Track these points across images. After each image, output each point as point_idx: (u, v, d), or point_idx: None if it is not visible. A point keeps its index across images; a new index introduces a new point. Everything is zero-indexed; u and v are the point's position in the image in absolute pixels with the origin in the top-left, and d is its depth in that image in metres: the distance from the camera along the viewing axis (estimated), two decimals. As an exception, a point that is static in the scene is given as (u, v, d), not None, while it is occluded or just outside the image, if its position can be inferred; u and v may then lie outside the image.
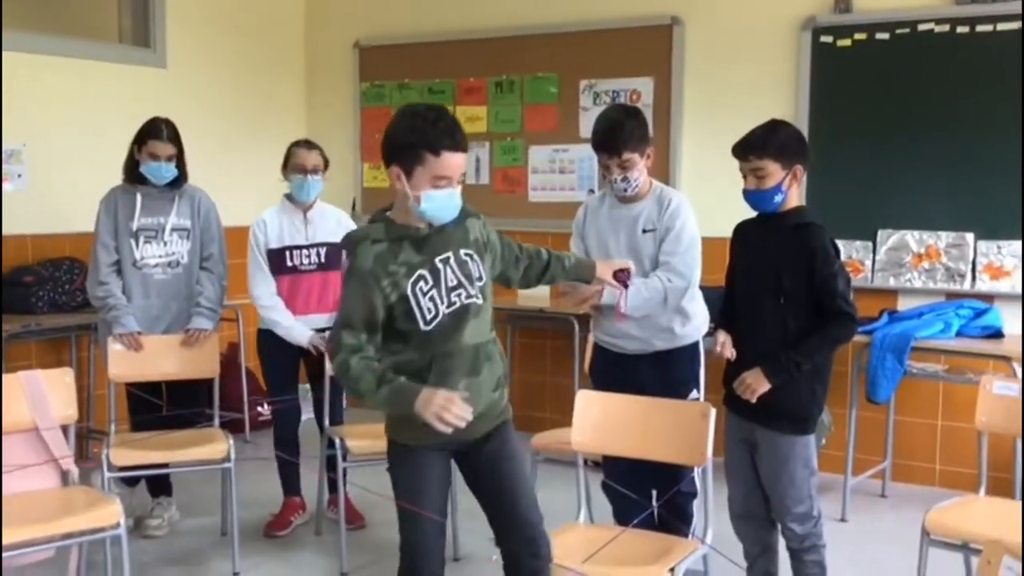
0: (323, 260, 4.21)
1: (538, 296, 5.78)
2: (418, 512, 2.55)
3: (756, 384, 2.94)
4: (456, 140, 2.44)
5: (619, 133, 3.24)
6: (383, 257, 2.46)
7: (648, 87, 5.41)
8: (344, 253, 2.70)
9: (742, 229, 3.20)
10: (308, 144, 4.25)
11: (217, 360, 4.21)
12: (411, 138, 2.42)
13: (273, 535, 4.19)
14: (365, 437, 3.95)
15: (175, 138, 4.08)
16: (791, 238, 2.99)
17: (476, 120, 5.97)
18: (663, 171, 5.26)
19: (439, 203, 2.46)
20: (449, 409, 2.35)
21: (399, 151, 2.45)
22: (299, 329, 4.10)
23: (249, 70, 6.25)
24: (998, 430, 3.30)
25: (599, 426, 3.06)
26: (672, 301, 3.26)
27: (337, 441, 3.94)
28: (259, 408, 5.79)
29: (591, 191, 5.54)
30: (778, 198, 2.98)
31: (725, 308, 3.21)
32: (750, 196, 3.01)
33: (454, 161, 2.44)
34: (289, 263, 4.16)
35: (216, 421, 4.16)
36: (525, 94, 5.83)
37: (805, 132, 4.70)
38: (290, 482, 4.30)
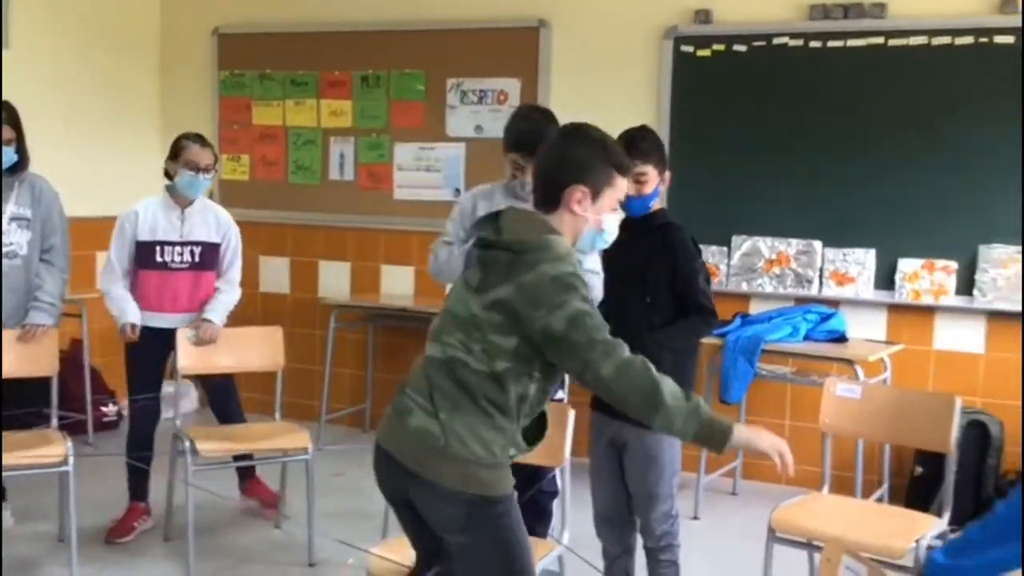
0: (196, 259, 4.07)
1: (401, 295, 5.74)
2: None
3: None
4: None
5: (545, 137, 3.18)
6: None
7: (515, 88, 5.42)
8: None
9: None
10: (202, 140, 4.09)
11: (56, 357, 3.98)
12: (603, 157, 2.27)
13: (114, 541, 3.99)
14: (213, 439, 3.84)
15: (14, 121, 3.84)
16: (655, 238, 3.05)
17: (340, 115, 5.86)
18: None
19: (612, 228, 2.34)
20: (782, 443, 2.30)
21: (588, 170, 2.25)
22: (132, 310, 3.97)
23: (100, 53, 5.93)
24: (840, 430, 3.45)
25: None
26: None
27: (186, 443, 3.78)
28: (103, 408, 5.55)
29: (457, 191, 5.51)
30: (653, 203, 3.05)
31: None
32: (633, 202, 2.99)
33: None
34: (159, 258, 4.02)
35: (54, 422, 3.94)
36: (391, 90, 5.74)
37: (666, 138, 4.83)
38: (138, 486, 4.11)
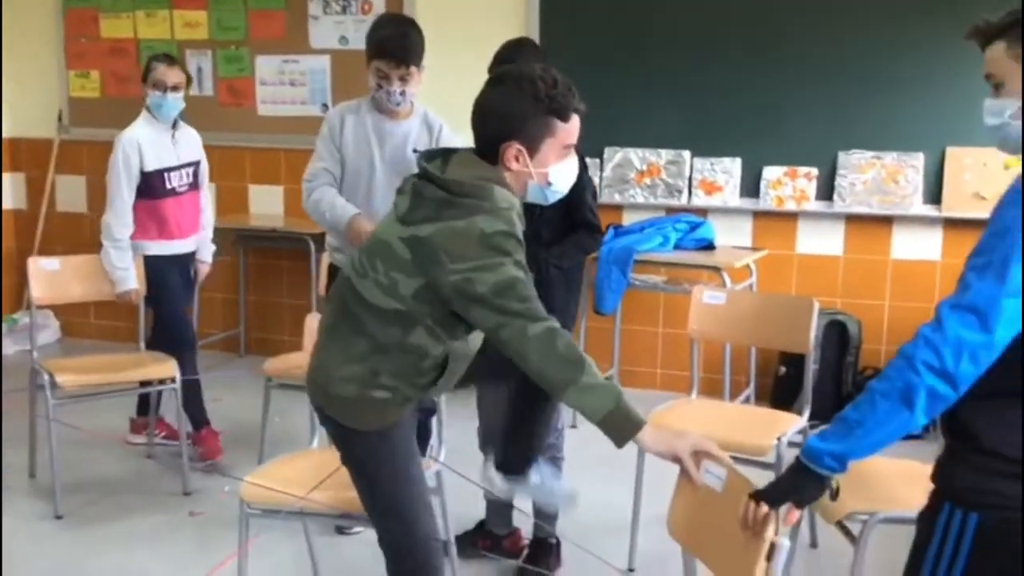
0: (192, 180, 4.13)
1: (271, 215, 5.57)
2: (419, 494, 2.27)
3: None
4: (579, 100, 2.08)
5: (410, 43, 3.13)
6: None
7: (380, -1, 5.25)
8: None
9: None
10: (169, 59, 4.05)
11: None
12: (537, 108, 2.00)
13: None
14: (76, 372, 3.68)
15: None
16: None
17: (196, 26, 5.56)
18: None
19: (566, 174, 2.12)
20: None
21: (520, 125, 2.01)
22: (133, 274, 3.95)
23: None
24: (708, 336, 3.54)
25: (331, 349, 2.97)
26: None
27: (45, 377, 3.61)
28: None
29: (325, 106, 5.34)
30: None
31: None
32: None
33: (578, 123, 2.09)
34: (168, 185, 4.01)
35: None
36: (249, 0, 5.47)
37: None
38: None
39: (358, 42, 5.19)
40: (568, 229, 3.08)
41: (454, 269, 1.95)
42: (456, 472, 2.90)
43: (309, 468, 2.75)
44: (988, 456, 1.60)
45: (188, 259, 4.20)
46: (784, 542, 1.58)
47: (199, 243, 4.24)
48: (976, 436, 1.61)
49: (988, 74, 1.66)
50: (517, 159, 2.03)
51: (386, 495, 2.25)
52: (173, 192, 4.02)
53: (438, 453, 2.92)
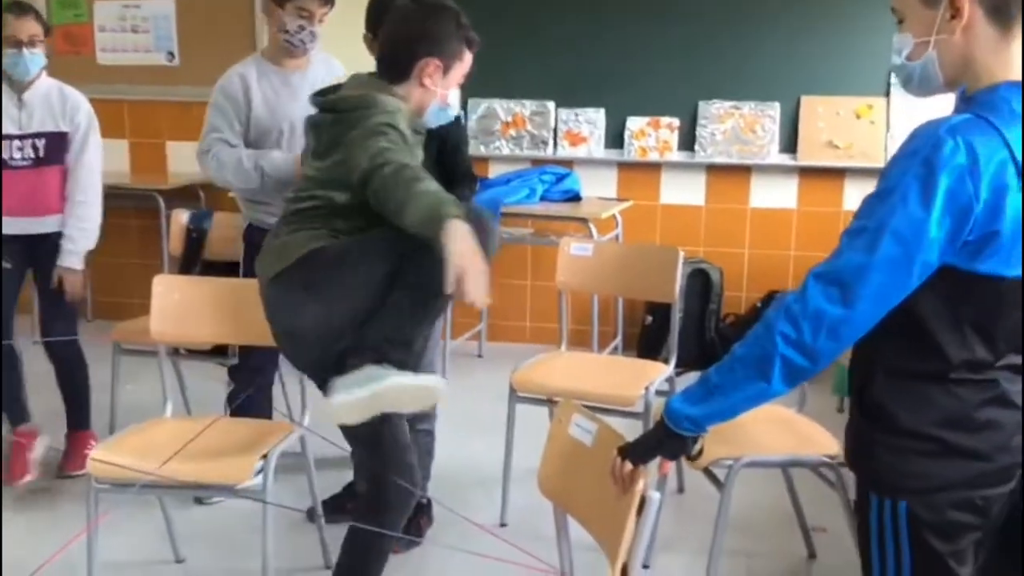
0: (40, 154, 3.39)
1: (115, 171, 5.24)
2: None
3: None
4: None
5: None
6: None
7: (228, -62, 4.97)
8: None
9: None
10: (20, 8, 3.33)
11: None
12: (456, 32, 2.25)
13: None
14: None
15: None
16: None
17: (24, -33, 5.14)
18: (249, 29, 4.91)
19: (454, 104, 2.36)
20: None
21: (442, 44, 2.22)
22: None
23: None
24: (575, 287, 3.53)
25: (182, 313, 2.81)
26: None
27: None
28: None
29: (171, 54, 5.04)
30: None
31: None
32: None
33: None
34: None
35: None
36: (84, -61, 5.11)
37: None
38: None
39: (206, -14, 4.95)
40: (442, 179, 3.00)
41: (354, 166, 2.05)
42: (321, 436, 2.80)
43: (164, 438, 2.61)
44: (907, 436, 1.50)
45: (29, 245, 3.45)
46: (654, 496, 1.55)
47: (64, 244, 3.42)
48: (893, 416, 1.51)
49: (892, 7, 1.55)
50: (432, 76, 2.21)
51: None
52: (3, 165, 3.37)
53: (302, 419, 2.81)
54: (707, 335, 4.83)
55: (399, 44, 2.23)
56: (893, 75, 4.42)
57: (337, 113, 2.16)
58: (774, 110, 4.74)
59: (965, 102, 1.48)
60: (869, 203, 1.45)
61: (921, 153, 1.38)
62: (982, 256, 1.40)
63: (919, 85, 1.53)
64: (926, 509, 1.49)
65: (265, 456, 2.50)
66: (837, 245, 1.47)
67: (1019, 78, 1.45)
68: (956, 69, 1.48)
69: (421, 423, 3.04)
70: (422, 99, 2.24)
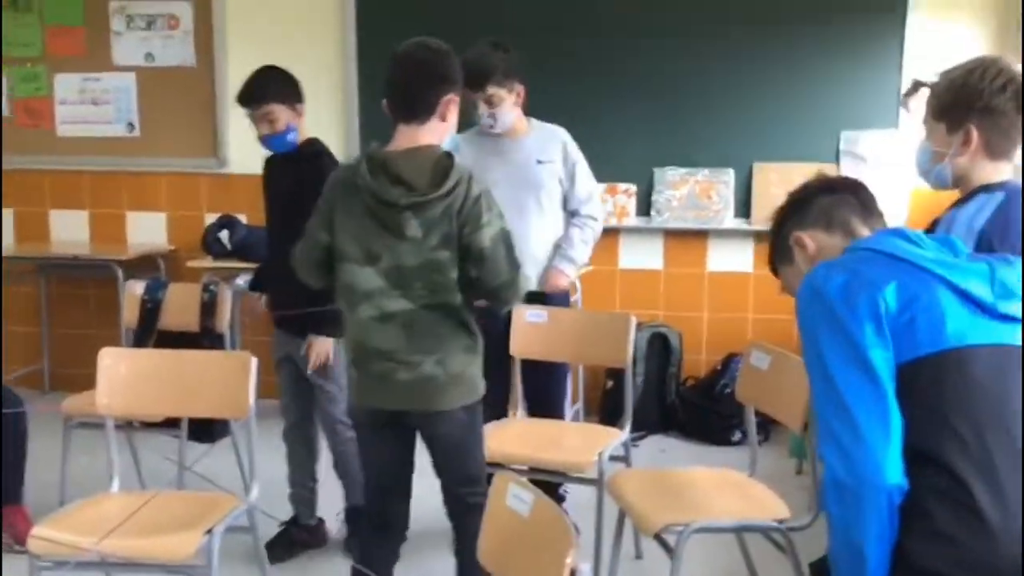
0: None
1: (74, 242, 5.24)
2: None
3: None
4: None
5: (485, 65, 3.22)
6: None
7: (187, 12, 5.01)
8: None
9: (270, 163, 3.35)
10: None
11: None
12: (460, 69, 2.48)
13: None
14: None
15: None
16: (306, 168, 3.13)
17: (-16, 42, 5.18)
18: (210, 100, 4.95)
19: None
20: None
21: (457, 81, 2.44)
22: None
23: None
24: (531, 355, 3.52)
25: (130, 385, 2.79)
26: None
27: None
28: None
29: (131, 125, 5.07)
30: (291, 136, 3.16)
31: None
32: (269, 140, 3.18)
33: None
34: None
35: None
36: (45, 14, 5.14)
37: (355, 59, 4.75)
38: None
39: (165, 59, 5.01)
40: None
41: (465, 234, 2.35)
42: (266, 514, 2.78)
43: (109, 512, 2.57)
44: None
45: None
46: (584, 568, 1.55)
47: None
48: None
49: (924, 121, 2.04)
50: (453, 111, 2.42)
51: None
52: None
53: (248, 492, 2.77)
54: (668, 398, 4.84)
55: (423, 84, 2.39)
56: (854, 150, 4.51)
57: (436, 198, 2.39)
58: (728, 176, 4.83)
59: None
60: (809, 367, 1.57)
61: (810, 306, 1.58)
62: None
63: (934, 182, 2.06)
64: None
65: (210, 532, 2.46)
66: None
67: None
68: (957, 178, 2.02)
69: None
70: (442, 133, 2.43)
